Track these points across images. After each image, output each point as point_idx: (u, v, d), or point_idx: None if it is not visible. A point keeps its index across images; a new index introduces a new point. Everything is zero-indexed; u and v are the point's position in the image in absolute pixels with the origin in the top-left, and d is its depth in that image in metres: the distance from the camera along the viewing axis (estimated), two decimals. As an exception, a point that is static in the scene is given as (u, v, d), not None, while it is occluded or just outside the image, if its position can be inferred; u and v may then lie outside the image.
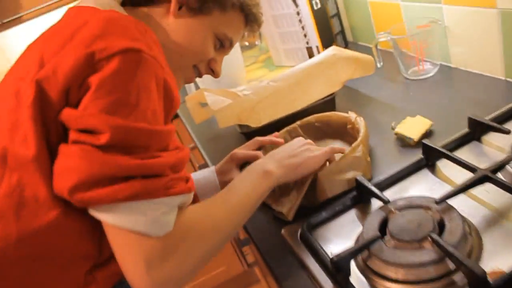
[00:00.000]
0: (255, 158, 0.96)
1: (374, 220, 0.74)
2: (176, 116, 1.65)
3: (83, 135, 0.58)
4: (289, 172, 0.80)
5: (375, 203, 0.80)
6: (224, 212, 0.70)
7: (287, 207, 0.84)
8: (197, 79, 1.53)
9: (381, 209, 0.76)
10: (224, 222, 0.69)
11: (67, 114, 0.59)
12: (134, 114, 0.58)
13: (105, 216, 0.59)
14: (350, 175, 0.87)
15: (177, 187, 0.61)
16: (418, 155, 0.88)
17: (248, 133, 1.14)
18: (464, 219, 0.69)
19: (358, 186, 0.83)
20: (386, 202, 0.76)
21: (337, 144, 1.03)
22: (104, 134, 0.57)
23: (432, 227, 0.67)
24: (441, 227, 0.69)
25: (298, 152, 0.82)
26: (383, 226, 0.73)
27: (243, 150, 0.99)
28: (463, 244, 0.65)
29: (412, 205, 0.74)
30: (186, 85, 1.50)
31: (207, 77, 1.53)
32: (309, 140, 0.88)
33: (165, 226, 0.60)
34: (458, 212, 0.70)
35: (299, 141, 0.87)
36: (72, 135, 0.59)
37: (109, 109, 0.58)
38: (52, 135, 0.60)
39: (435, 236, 0.65)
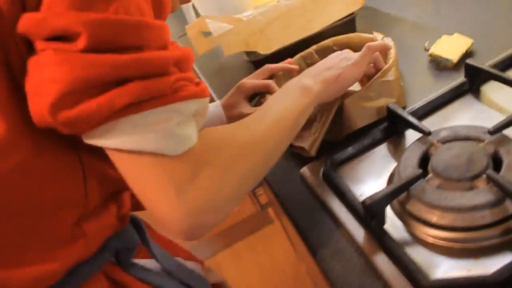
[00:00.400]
0: (266, 88, 0.84)
1: (412, 155, 0.62)
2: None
3: (54, 43, 0.44)
4: (329, 85, 0.68)
5: (412, 136, 0.68)
6: (261, 130, 0.57)
7: (309, 141, 0.71)
8: (198, 6, 1.37)
9: (420, 142, 0.64)
10: (264, 138, 0.56)
11: (27, 21, 0.44)
12: (113, 7, 0.44)
13: (104, 140, 0.46)
14: (381, 102, 0.74)
15: (187, 89, 0.48)
16: (458, 79, 0.75)
17: (257, 62, 1.01)
18: (525, 152, 0.57)
19: (391, 116, 0.70)
20: (426, 133, 0.63)
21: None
22: (80, 37, 0.43)
23: (486, 163, 0.55)
24: (496, 162, 0.57)
25: (334, 63, 0.71)
26: (424, 162, 0.61)
27: (251, 80, 0.86)
28: (525, 181, 0.53)
29: (458, 137, 0.62)
30: (186, 14, 1.35)
31: (208, 5, 1.38)
32: (346, 50, 0.76)
33: (184, 140, 0.47)
34: (517, 143, 0.57)
35: (336, 54, 0.74)
36: (39, 46, 0.45)
37: (80, 3, 0.43)
38: (12, 60, 0.47)
39: (491, 172, 0.53)
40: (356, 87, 0.76)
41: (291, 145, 0.74)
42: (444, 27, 0.93)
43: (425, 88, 0.80)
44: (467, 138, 0.61)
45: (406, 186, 0.57)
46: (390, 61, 0.77)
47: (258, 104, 0.86)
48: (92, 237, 0.58)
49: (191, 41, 1.17)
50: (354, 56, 0.72)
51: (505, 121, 0.59)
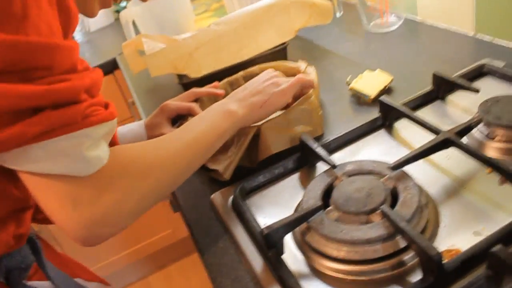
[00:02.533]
0: (189, 110, 0.83)
1: (316, 187, 0.62)
2: (116, 67, 1.49)
3: None
4: (253, 111, 0.69)
5: (322, 167, 0.69)
6: (174, 148, 0.58)
7: (224, 164, 0.71)
8: (138, 23, 1.36)
9: (326, 174, 0.64)
10: (172, 160, 0.57)
11: None
12: (24, 28, 0.43)
13: (15, 164, 0.47)
14: (299, 129, 0.74)
15: (98, 114, 0.49)
16: (374, 113, 0.77)
17: (187, 84, 1.00)
18: (420, 189, 0.58)
19: (303, 146, 0.71)
20: (332, 166, 0.64)
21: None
22: None
23: (383, 198, 0.56)
24: (394, 197, 0.58)
25: (262, 88, 0.71)
26: (327, 194, 0.61)
27: (176, 102, 0.85)
28: (417, 219, 0.55)
29: (362, 171, 0.63)
30: (126, 30, 1.33)
31: (149, 24, 1.37)
32: (276, 72, 0.76)
33: (94, 162, 0.49)
34: (414, 180, 0.59)
35: (266, 74, 0.75)
36: None
37: None
38: None
39: (385, 208, 0.54)
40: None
41: (206, 169, 0.74)
42: (369, 63, 0.96)
43: (344, 120, 0.81)
44: (370, 173, 0.62)
45: (306, 217, 0.57)
46: (310, 90, 0.78)
47: (180, 126, 0.85)
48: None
49: (126, 58, 1.16)
50: (282, 82, 0.73)
51: (405, 158, 0.61)
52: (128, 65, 1.20)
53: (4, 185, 0.55)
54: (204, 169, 0.73)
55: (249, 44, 0.98)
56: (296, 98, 0.77)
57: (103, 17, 1.84)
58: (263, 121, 0.73)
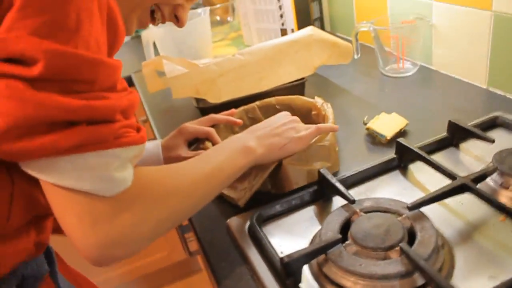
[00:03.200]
0: (207, 135, 0.85)
1: (335, 220, 0.64)
2: (131, 84, 1.51)
3: (9, 65, 0.44)
4: (271, 152, 0.70)
5: (338, 202, 0.71)
6: (192, 178, 0.59)
7: (240, 193, 0.73)
8: (158, 45, 1.39)
9: (344, 209, 0.66)
10: (190, 189, 0.58)
11: None
12: (74, 40, 0.45)
13: (41, 173, 0.47)
14: (318, 165, 0.77)
15: (129, 136, 0.50)
16: (389, 154, 0.79)
17: (204, 109, 1.02)
18: (437, 230, 0.60)
19: (321, 180, 0.73)
20: (351, 201, 0.66)
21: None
22: (37, 63, 0.43)
23: (401, 236, 0.58)
24: (411, 236, 0.60)
25: (282, 130, 0.72)
26: (345, 228, 0.63)
27: (194, 125, 0.87)
28: (434, 258, 0.56)
29: (380, 208, 0.65)
30: (146, 50, 1.36)
31: (168, 46, 1.41)
32: (295, 117, 0.77)
33: (118, 184, 0.49)
34: (431, 221, 0.61)
35: (284, 116, 0.76)
36: None
37: (43, 31, 0.43)
38: None
39: (405, 246, 0.56)
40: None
41: (222, 195, 0.75)
42: (384, 106, 0.99)
43: (359, 158, 0.84)
44: (387, 211, 0.64)
45: (325, 248, 0.58)
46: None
47: (197, 149, 0.87)
48: (3, 260, 0.55)
49: (144, 78, 1.19)
50: (301, 129, 0.74)
51: (422, 199, 0.63)
52: (144, 83, 1.23)
53: (33, 192, 0.56)
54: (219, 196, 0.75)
55: (269, 75, 1.01)
56: None
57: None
58: (286, 159, 0.74)
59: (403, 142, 0.76)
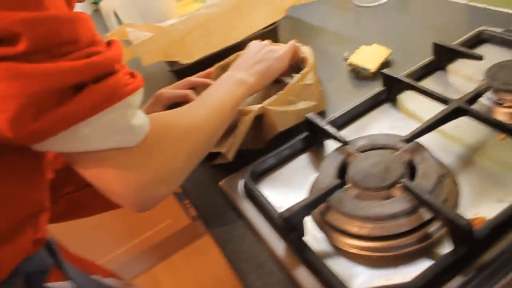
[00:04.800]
0: (185, 97, 0.81)
1: (330, 165, 0.61)
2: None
3: None
4: (261, 77, 0.75)
5: (332, 146, 0.68)
6: (204, 113, 0.62)
7: (227, 145, 0.70)
8: (120, 13, 1.32)
9: (338, 152, 0.63)
10: (205, 123, 0.61)
11: None
12: (42, 3, 0.42)
13: (64, 147, 0.47)
14: (302, 105, 0.74)
15: (132, 82, 0.50)
16: (376, 88, 0.76)
17: (179, 71, 0.97)
18: (437, 160, 0.57)
19: (309, 126, 0.69)
20: (344, 143, 0.63)
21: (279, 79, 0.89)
22: (19, 38, 0.41)
23: (401, 171, 0.56)
24: (411, 170, 0.57)
25: (262, 56, 0.77)
26: (342, 172, 0.60)
27: (171, 90, 0.83)
28: (438, 190, 0.54)
29: (375, 146, 0.62)
30: (107, 21, 1.29)
31: (131, 13, 1.33)
32: (266, 41, 0.83)
33: (140, 130, 0.50)
34: (430, 151, 0.58)
35: (257, 44, 0.81)
36: None
37: (10, 3, 0.41)
38: None
39: (407, 181, 0.53)
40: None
41: (208, 159, 0.72)
42: (363, 38, 0.94)
43: (345, 97, 0.80)
44: (383, 147, 0.61)
45: (324, 196, 0.56)
46: (309, 65, 0.76)
47: None
48: (2, 263, 0.53)
49: (110, 50, 1.12)
50: (277, 49, 0.79)
51: (418, 129, 0.60)
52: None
53: (20, 188, 0.54)
54: (206, 159, 0.71)
55: (239, 25, 0.96)
56: (292, 69, 0.82)
57: (80, 9, 1.78)
58: (266, 101, 0.71)
59: (389, 73, 0.72)
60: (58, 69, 0.42)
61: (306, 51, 0.82)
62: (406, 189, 0.53)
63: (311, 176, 0.65)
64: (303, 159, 0.69)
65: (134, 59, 1.03)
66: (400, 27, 0.96)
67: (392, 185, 0.55)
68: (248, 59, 0.76)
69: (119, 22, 1.34)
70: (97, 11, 1.66)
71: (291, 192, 0.64)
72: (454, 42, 0.79)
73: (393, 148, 0.61)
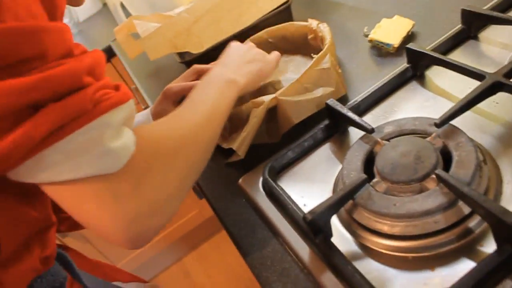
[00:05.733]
0: None
1: (356, 157, 0.56)
2: (112, 54, 1.41)
3: None
4: (252, 79, 0.68)
5: (356, 132, 0.62)
6: (195, 123, 0.54)
7: (238, 141, 0.65)
8: (127, 4, 1.27)
9: (363, 141, 0.58)
10: (197, 134, 0.53)
11: None
12: (1, 16, 0.37)
13: (33, 177, 0.40)
14: (319, 92, 0.68)
15: (110, 97, 0.42)
16: (402, 64, 0.70)
17: (190, 62, 0.92)
18: (475, 143, 0.51)
19: (330, 113, 0.64)
20: (369, 131, 0.57)
21: (298, 60, 0.84)
22: None
23: (435, 160, 0.50)
24: (445, 157, 0.51)
25: (251, 56, 0.72)
26: (369, 163, 0.55)
27: (178, 84, 0.78)
28: (478, 179, 0.48)
29: (404, 131, 0.56)
30: (115, 15, 1.25)
31: (138, 3, 1.28)
32: (249, 43, 0.77)
33: (122, 153, 0.42)
34: (466, 134, 0.52)
35: (240, 45, 0.75)
36: None
37: None
38: None
39: (441, 172, 0.47)
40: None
41: (222, 152, 0.67)
42: (383, 10, 0.87)
43: (367, 76, 0.74)
44: (413, 132, 0.55)
45: (350, 194, 0.51)
46: (325, 47, 0.71)
47: None
48: (12, 284, 0.50)
49: (120, 45, 1.08)
50: (264, 52, 0.75)
51: (451, 111, 0.54)
52: (124, 51, 1.13)
53: (21, 209, 0.50)
54: (220, 156, 0.67)
55: (249, 9, 0.90)
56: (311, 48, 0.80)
57: (90, 4, 1.74)
58: (279, 91, 0.66)
59: (413, 48, 0.66)
60: (7, 87, 0.36)
61: (323, 29, 0.76)
62: (441, 180, 0.47)
63: (335, 168, 0.60)
64: (325, 150, 0.64)
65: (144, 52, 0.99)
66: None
67: (425, 177, 0.49)
68: (237, 57, 0.70)
69: (127, 15, 1.30)
70: (106, 6, 1.62)
71: (315, 188, 0.59)
72: (485, 7, 0.72)
73: (424, 134, 0.55)
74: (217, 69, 0.66)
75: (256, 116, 0.64)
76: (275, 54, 0.76)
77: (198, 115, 0.55)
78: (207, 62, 0.83)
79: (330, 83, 0.68)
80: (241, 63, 0.69)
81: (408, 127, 0.56)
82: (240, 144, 0.64)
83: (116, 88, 0.45)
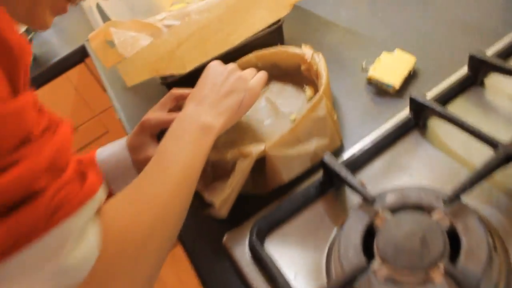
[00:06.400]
0: None
1: (353, 230, 0.51)
2: (86, 54, 1.32)
3: None
4: (231, 117, 0.60)
5: (351, 191, 0.57)
6: (168, 190, 0.48)
7: (221, 197, 0.58)
8: (104, 6, 1.18)
9: (362, 211, 0.52)
10: (173, 203, 0.48)
11: None
12: None
13: None
14: (313, 144, 0.62)
15: (72, 198, 0.37)
16: (401, 107, 0.65)
17: (172, 83, 0.85)
18: (486, 227, 0.46)
19: (326, 169, 0.59)
20: (370, 201, 0.52)
21: (288, 90, 0.78)
22: None
23: (442, 247, 0.45)
24: (452, 238, 0.47)
25: (230, 86, 0.61)
26: (368, 238, 0.50)
27: (157, 114, 0.71)
28: (489, 272, 0.44)
29: (407, 204, 0.51)
30: (91, 17, 1.16)
31: (116, 5, 1.19)
32: (231, 65, 0.66)
33: (83, 265, 0.37)
34: (476, 215, 0.47)
35: (220, 67, 0.65)
36: None
37: None
38: None
39: (449, 265, 0.43)
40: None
41: (201, 206, 0.61)
42: (381, 37, 0.82)
43: (364, 119, 0.69)
44: (418, 206, 0.50)
45: (348, 283, 0.46)
46: (321, 89, 0.65)
47: None
48: None
49: (95, 53, 1.00)
50: (246, 75, 0.64)
51: (462, 185, 0.49)
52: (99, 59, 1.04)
53: None
54: (199, 205, 0.61)
55: (238, 28, 0.83)
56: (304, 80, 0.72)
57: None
58: (268, 142, 0.60)
59: (418, 100, 0.60)
60: None
61: (318, 62, 0.70)
62: (450, 275, 0.43)
63: (330, 231, 0.55)
64: (318, 208, 0.59)
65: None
66: (422, 23, 0.82)
67: (430, 265, 0.44)
68: (214, 88, 0.61)
69: (103, 16, 1.21)
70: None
71: (306, 256, 0.54)
72: (491, 48, 0.67)
73: (430, 208, 0.50)
74: (191, 109, 0.59)
75: (242, 171, 0.58)
76: (260, 77, 0.67)
77: (171, 179, 0.49)
78: (192, 83, 0.77)
79: (325, 133, 0.62)
80: (219, 97, 0.60)
81: (413, 199, 0.51)
82: (223, 202, 0.58)
83: (82, 177, 0.39)
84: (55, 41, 1.55)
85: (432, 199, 0.50)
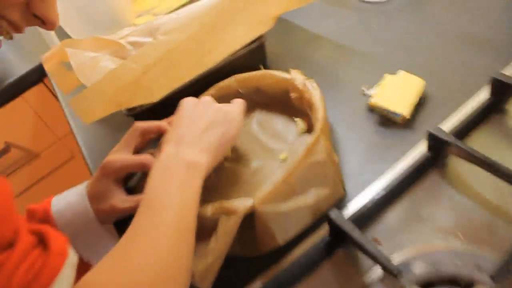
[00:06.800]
0: (142, 168, 0.59)
1: (377, 314, 0.40)
2: (44, 73, 1.19)
3: None
4: (216, 152, 0.53)
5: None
6: (164, 251, 0.41)
7: (202, 265, 0.47)
8: (62, 22, 1.05)
9: (386, 286, 0.42)
10: (173, 260, 0.41)
11: None
12: None
13: None
14: (311, 196, 0.51)
15: (42, 269, 0.36)
16: (411, 140, 0.56)
17: (139, 114, 0.73)
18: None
19: (334, 229, 0.48)
20: (395, 274, 0.42)
21: (276, 122, 0.67)
22: None
23: None
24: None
25: (210, 119, 0.55)
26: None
27: (121, 155, 0.60)
28: None
29: (441, 275, 0.41)
30: (47, 37, 1.03)
31: (73, 20, 1.07)
32: (206, 98, 0.59)
33: None
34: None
35: (194, 101, 0.58)
36: None
37: None
38: None
39: None
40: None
41: None
42: (377, 52, 0.72)
43: (371, 158, 0.57)
44: (454, 279, 0.40)
45: None
46: (317, 127, 0.53)
47: (140, 188, 0.61)
48: None
49: (50, 76, 0.88)
50: (226, 106, 0.58)
51: (506, 260, 0.39)
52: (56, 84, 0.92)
53: None
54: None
55: (214, 48, 0.72)
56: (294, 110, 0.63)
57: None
58: (257, 195, 0.48)
59: (440, 136, 0.50)
60: None
61: (311, 91, 0.59)
62: None
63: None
64: (323, 276, 0.48)
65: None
66: (421, 35, 0.72)
67: None
68: (191, 125, 0.54)
69: (60, 32, 1.08)
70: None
71: None
72: (508, 66, 0.58)
73: (470, 282, 0.40)
74: (171, 150, 0.51)
75: (226, 232, 0.47)
76: (237, 104, 0.60)
77: (165, 236, 0.41)
78: (164, 112, 0.66)
79: (325, 181, 0.51)
80: (198, 133, 0.53)
81: (447, 269, 0.41)
82: (205, 273, 0.46)
83: (43, 241, 0.38)
84: (11, 58, 1.41)
85: (471, 268, 0.40)
